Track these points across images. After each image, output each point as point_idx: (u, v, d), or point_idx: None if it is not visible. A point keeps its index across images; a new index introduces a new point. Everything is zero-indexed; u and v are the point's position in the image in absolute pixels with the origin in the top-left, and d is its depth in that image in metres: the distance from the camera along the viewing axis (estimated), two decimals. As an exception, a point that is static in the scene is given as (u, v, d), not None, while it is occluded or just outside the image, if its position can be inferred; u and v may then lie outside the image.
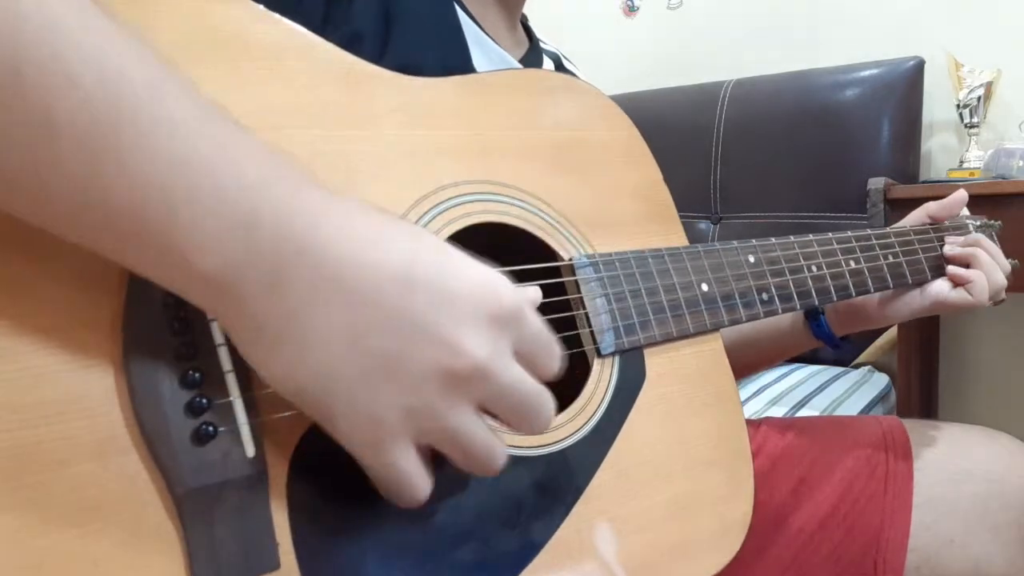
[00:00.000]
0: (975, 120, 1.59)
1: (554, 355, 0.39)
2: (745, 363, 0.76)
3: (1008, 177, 1.41)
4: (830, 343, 0.76)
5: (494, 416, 0.38)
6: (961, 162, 1.59)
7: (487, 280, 0.36)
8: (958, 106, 1.60)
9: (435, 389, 0.35)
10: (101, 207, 0.31)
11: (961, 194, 0.78)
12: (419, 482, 0.37)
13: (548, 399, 0.39)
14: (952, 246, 0.74)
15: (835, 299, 0.66)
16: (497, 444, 0.38)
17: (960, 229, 0.78)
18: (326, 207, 0.34)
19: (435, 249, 0.36)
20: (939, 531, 0.65)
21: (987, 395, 1.76)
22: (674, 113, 1.76)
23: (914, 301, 0.74)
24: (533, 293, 0.41)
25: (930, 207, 0.78)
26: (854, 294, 0.68)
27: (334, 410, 0.35)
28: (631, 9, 2.10)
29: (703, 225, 1.74)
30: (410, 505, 0.38)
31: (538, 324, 0.38)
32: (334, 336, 0.34)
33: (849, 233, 0.69)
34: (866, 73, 1.62)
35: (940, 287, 0.73)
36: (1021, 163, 1.43)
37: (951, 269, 0.73)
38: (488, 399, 0.37)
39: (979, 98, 1.57)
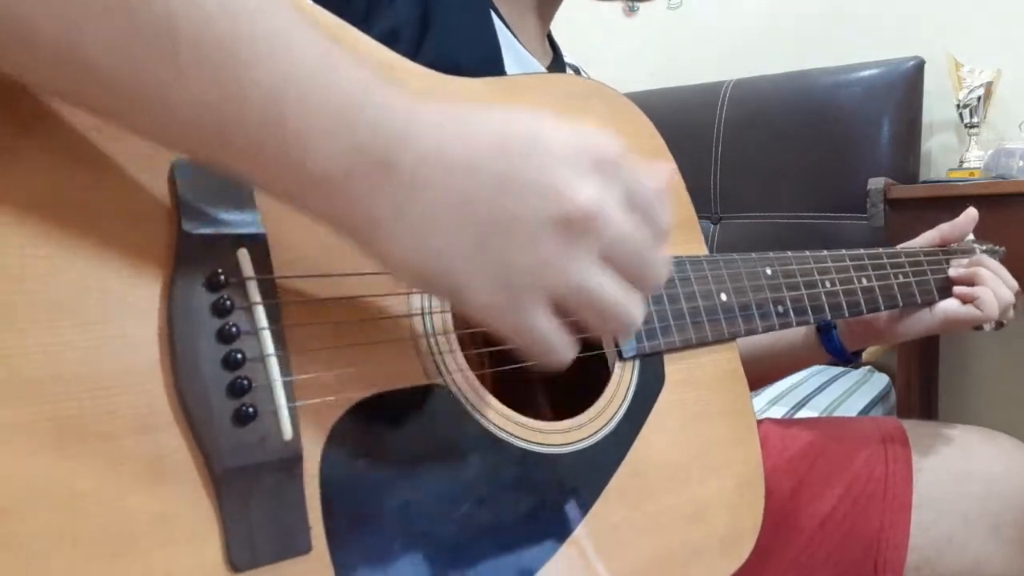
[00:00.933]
0: (975, 120, 1.59)
1: (665, 207, 0.38)
2: (757, 374, 0.77)
3: (1008, 177, 1.41)
4: (841, 358, 0.77)
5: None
6: (961, 162, 1.59)
7: (584, 135, 0.37)
8: (958, 106, 1.60)
9: (553, 242, 0.35)
10: (218, 117, 0.32)
11: (972, 212, 0.79)
12: (561, 341, 0.37)
13: (663, 251, 0.39)
14: (956, 268, 0.76)
15: (847, 315, 0.67)
16: (633, 299, 0.38)
17: (967, 253, 0.79)
18: (419, 101, 0.36)
19: (530, 117, 0.37)
20: (939, 531, 0.66)
21: (987, 396, 1.76)
22: (674, 113, 1.76)
23: (924, 319, 0.75)
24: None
25: (943, 227, 0.79)
26: (865, 311, 0.69)
27: (460, 285, 0.36)
28: (631, 9, 2.10)
29: (703, 225, 1.74)
30: (558, 367, 0.38)
31: (638, 175, 0.38)
32: (444, 213, 0.35)
33: (861, 251, 0.71)
34: (866, 73, 1.62)
35: (949, 304, 0.74)
36: (1021, 163, 1.43)
37: (957, 289, 0.74)
38: (607, 247, 0.36)
39: (979, 98, 1.58)
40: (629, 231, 0.37)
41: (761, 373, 0.78)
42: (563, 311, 0.37)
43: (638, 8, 2.09)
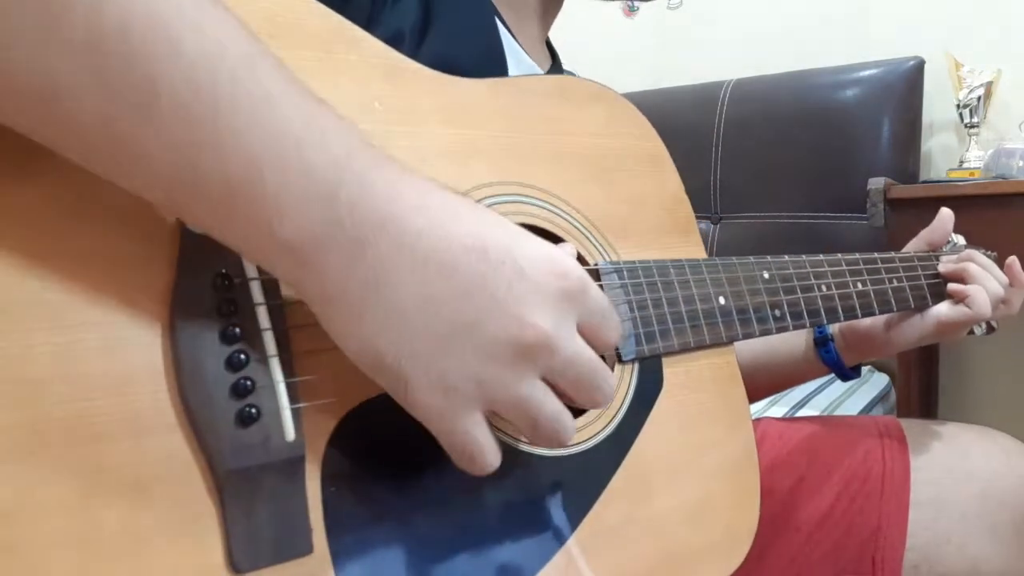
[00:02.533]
0: (975, 120, 1.59)
1: (615, 327, 0.41)
2: (756, 387, 0.77)
3: (1008, 177, 1.41)
4: (839, 371, 0.77)
5: (558, 392, 0.39)
6: (961, 162, 1.59)
7: (552, 257, 0.38)
8: (958, 106, 1.60)
9: (505, 359, 0.36)
10: (193, 172, 0.32)
11: (945, 212, 0.79)
12: (490, 450, 0.38)
13: (608, 373, 0.40)
14: (945, 263, 0.75)
15: (842, 319, 0.67)
16: (565, 416, 0.39)
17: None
18: (402, 181, 0.35)
19: (502, 225, 0.38)
20: (937, 530, 0.66)
21: (986, 395, 1.76)
22: (674, 113, 1.76)
23: (918, 325, 0.74)
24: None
25: (923, 233, 0.79)
26: (860, 315, 0.69)
27: (410, 379, 0.36)
28: (631, 9, 2.10)
29: (703, 225, 1.75)
30: (481, 473, 0.39)
31: (600, 299, 0.40)
32: (411, 306, 0.35)
33: (856, 255, 0.71)
34: (866, 73, 1.62)
35: (940, 308, 0.73)
36: (1021, 163, 1.43)
37: (950, 287, 0.74)
38: (553, 370, 0.38)
39: (979, 98, 1.58)
40: (574, 355, 0.38)
41: (759, 386, 0.78)
42: (496, 417, 0.39)
43: (638, 8, 2.09)
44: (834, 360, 0.77)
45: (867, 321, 0.74)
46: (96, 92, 0.30)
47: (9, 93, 0.30)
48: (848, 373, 0.77)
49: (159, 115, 0.31)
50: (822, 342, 0.77)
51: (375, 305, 0.35)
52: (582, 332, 0.39)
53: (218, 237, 0.35)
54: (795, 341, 0.78)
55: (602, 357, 0.53)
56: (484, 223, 0.37)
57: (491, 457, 0.38)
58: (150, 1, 0.30)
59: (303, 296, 0.36)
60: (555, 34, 0.78)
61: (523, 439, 0.46)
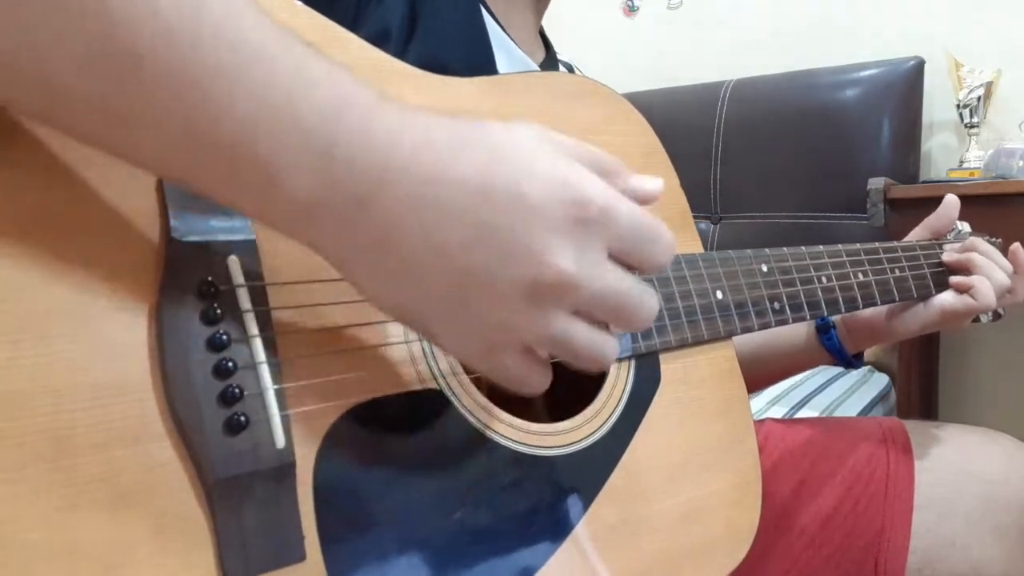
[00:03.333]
0: (975, 120, 1.59)
1: (659, 241, 0.37)
2: (758, 376, 0.76)
3: (1008, 177, 1.41)
4: (841, 359, 0.77)
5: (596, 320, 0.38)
6: (961, 162, 1.59)
7: (568, 183, 0.35)
8: (958, 106, 1.60)
9: (525, 302, 0.35)
10: (188, 138, 0.31)
11: (951, 198, 0.78)
12: (535, 378, 0.38)
13: (648, 296, 0.37)
14: (949, 253, 0.75)
15: (843, 310, 0.67)
16: (604, 340, 0.38)
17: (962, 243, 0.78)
18: (400, 127, 0.34)
19: (513, 152, 0.35)
20: (940, 532, 0.65)
21: (987, 396, 1.76)
22: (674, 113, 1.75)
23: (920, 314, 0.74)
24: (637, 182, 0.39)
25: (927, 220, 0.79)
26: (861, 306, 0.68)
27: (435, 327, 0.36)
28: (631, 9, 2.10)
29: (703, 225, 1.74)
30: (533, 395, 0.38)
31: (633, 216, 0.36)
32: (422, 259, 0.34)
33: (858, 245, 0.70)
34: (866, 73, 1.62)
35: (944, 297, 0.73)
36: (1021, 163, 1.43)
37: (953, 278, 0.73)
38: (582, 306, 0.36)
39: (979, 98, 1.57)
40: (609, 287, 0.36)
41: (761, 375, 0.78)
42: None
43: (638, 8, 2.09)
44: (836, 347, 0.76)
45: (869, 310, 0.73)
46: (83, 65, 0.29)
47: (4, 72, 0.29)
48: (851, 361, 0.77)
49: (146, 82, 0.30)
50: (824, 329, 0.76)
51: (386, 262, 0.34)
52: (618, 258, 0.36)
53: (229, 205, 0.34)
54: (796, 330, 0.78)
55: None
56: (494, 154, 0.34)
57: (538, 384, 0.38)
58: None
59: (323, 256, 0.35)
60: (555, 34, 0.78)
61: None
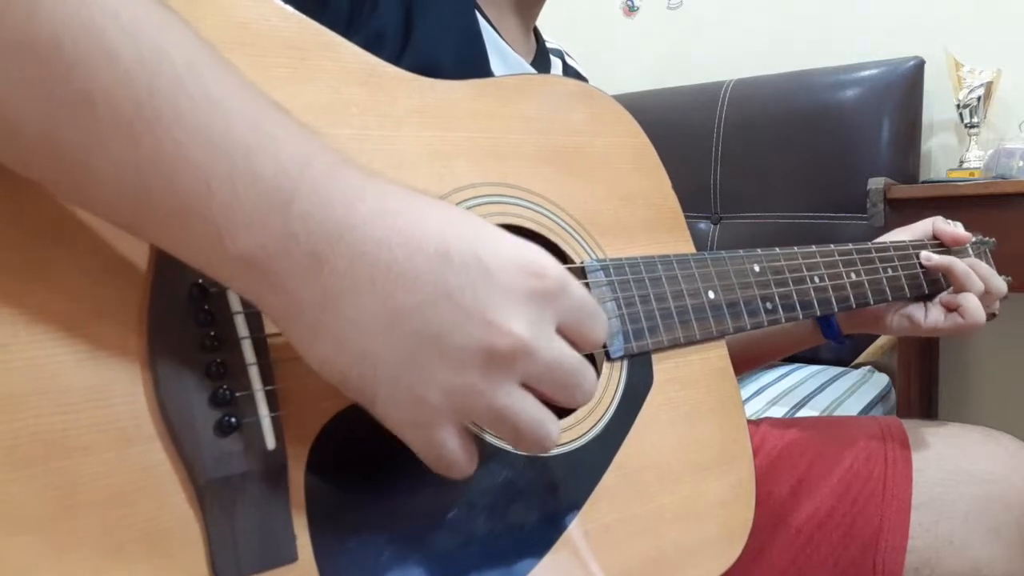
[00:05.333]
0: (975, 120, 1.59)
1: (600, 325, 0.38)
2: (751, 356, 0.77)
3: (1008, 177, 1.41)
4: (836, 340, 0.78)
5: (537, 394, 0.38)
6: (961, 162, 1.59)
7: (524, 256, 0.35)
8: (958, 106, 1.60)
9: (477, 369, 0.34)
10: (141, 187, 0.31)
11: (965, 235, 0.78)
12: (464, 460, 0.37)
13: (590, 372, 0.38)
14: (928, 257, 0.75)
15: (836, 310, 0.67)
16: (547, 422, 0.37)
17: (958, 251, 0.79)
18: (361, 188, 0.34)
19: (470, 224, 0.35)
20: (939, 532, 0.65)
21: (987, 395, 1.76)
22: (674, 113, 1.75)
23: (908, 329, 0.75)
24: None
25: (937, 222, 0.79)
26: (854, 305, 0.69)
27: (377, 394, 0.35)
28: (631, 9, 2.10)
29: (703, 225, 1.74)
30: (457, 478, 0.38)
31: (581, 296, 0.37)
32: (373, 320, 0.33)
33: (850, 245, 0.70)
34: (866, 73, 1.61)
35: (937, 317, 0.74)
36: (1021, 163, 1.43)
37: (942, 296, 0.74)
38: (531, 376, 0.36)
39: (979, 98, 1.57)
40: (556, 358, 0.36)
41: (754, 356, 0.79)
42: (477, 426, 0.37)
43: (638, 8, 2.09)
44: (835, 333, 0.77)
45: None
46: (36, 107, 0.29)
47: None
48: (843, 341, 0.78)
49: (101, 128, 0.29)
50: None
51: (334, 321, 0.33)
52: (564, 332, 0.37)
53: (178, 256, 0.33)
54: None
55: (591, 357, 0.53)
56: (450, 225, 0.35)
57: (467, 466, 0.37)
58: (83, 8, 0.29)
59: (266, 313, 0.35)
60: (555, 35, 0.78)
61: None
